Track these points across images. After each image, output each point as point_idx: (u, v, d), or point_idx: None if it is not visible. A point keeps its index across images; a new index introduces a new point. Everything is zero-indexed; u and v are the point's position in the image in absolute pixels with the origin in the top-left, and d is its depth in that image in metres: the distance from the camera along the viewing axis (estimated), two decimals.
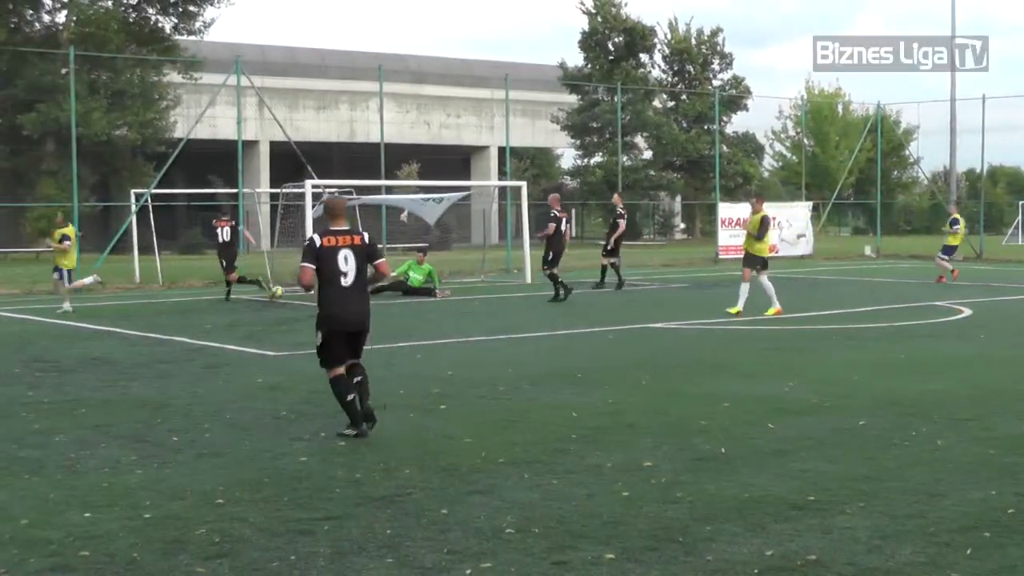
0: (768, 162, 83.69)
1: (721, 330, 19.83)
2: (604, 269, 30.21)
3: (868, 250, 48.09)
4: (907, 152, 76.60)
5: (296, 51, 71.96)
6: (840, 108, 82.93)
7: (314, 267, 10.54)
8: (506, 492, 8.50)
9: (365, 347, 11.02)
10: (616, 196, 30.86)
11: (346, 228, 10.77)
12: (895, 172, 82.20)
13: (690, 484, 8.68)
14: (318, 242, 10.62)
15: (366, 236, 10.80)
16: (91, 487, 8.85)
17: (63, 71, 49.42)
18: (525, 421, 11.33)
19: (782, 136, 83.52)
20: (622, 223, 29.94)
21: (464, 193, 36.19)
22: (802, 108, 71.93)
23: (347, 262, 10.57)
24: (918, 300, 25.55)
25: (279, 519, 7.87)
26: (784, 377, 13.96)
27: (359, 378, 10.92)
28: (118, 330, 20.68)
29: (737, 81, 72.12)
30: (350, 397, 10.73)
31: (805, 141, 72.63)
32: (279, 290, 28.26)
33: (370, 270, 10.83)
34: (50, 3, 56.52)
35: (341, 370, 10.75)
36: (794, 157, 78.39)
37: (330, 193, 33.89)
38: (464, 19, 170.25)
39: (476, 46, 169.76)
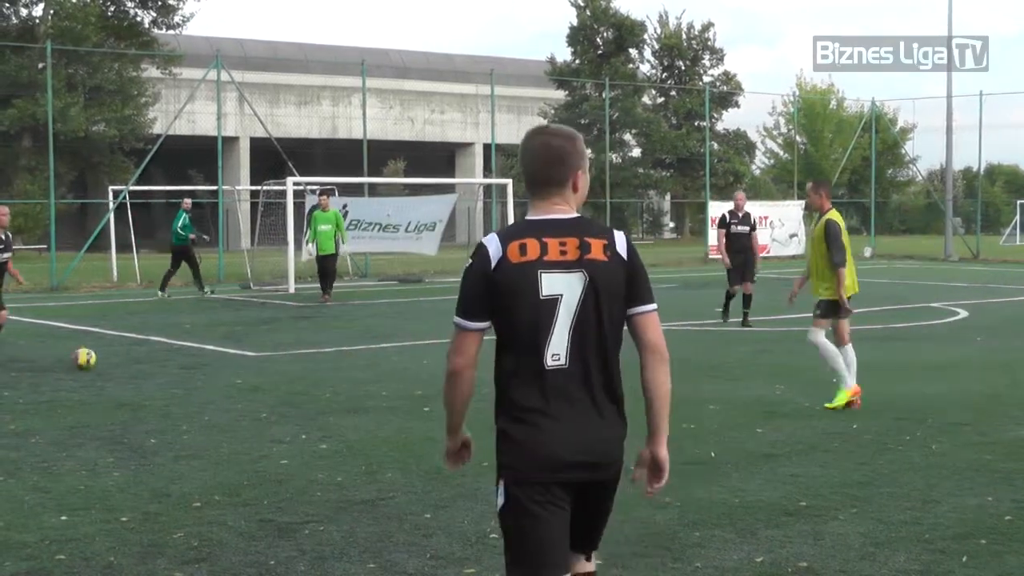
0: (760, 160, 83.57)
1: (709, 332, 19.72)
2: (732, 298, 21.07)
3: (867, 252, 48.01)
4: (903, 150, 76.28)
5: (277, 45, 71.57)
6: (834, 105, 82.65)
7: (480, 328, 4.41)
8: (491, 496, 8.26)
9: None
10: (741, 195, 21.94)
11: (569, 216, 4.48)
12: (890, 171, 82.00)
13: (679, 489, 8.50)
14: (497, 251, 4.37)
15: (619, 239, 4.47)
16: (67, 489, 8.74)
17: (40, 66, 49.17)
18: None
19: (774, 133, 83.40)
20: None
21: (449, 205, 35.77)
22: (794, 105, 71.82)
23: (562, 309, 4.37)
24: (913, 302, 25.42)
25: (259, 523, 7.78)
26: (774, 380, 13.85)
27: None
28: (95, 330, 20.50)
29: (728, 77, 71.96)
30: None
31: (797, 138, 72.49)
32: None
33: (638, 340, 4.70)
34: None
35: None
36: (786, 155, 78.26)
37: (311, 191, 33.73)
38: (448, 13, 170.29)
39: (461, 41, 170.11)
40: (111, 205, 36.18)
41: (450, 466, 4.88)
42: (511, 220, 35.06)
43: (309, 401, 12.61)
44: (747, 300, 20.37)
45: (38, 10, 55.78)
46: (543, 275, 4.31)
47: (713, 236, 42.94)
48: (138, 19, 57.84)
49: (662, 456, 4.64)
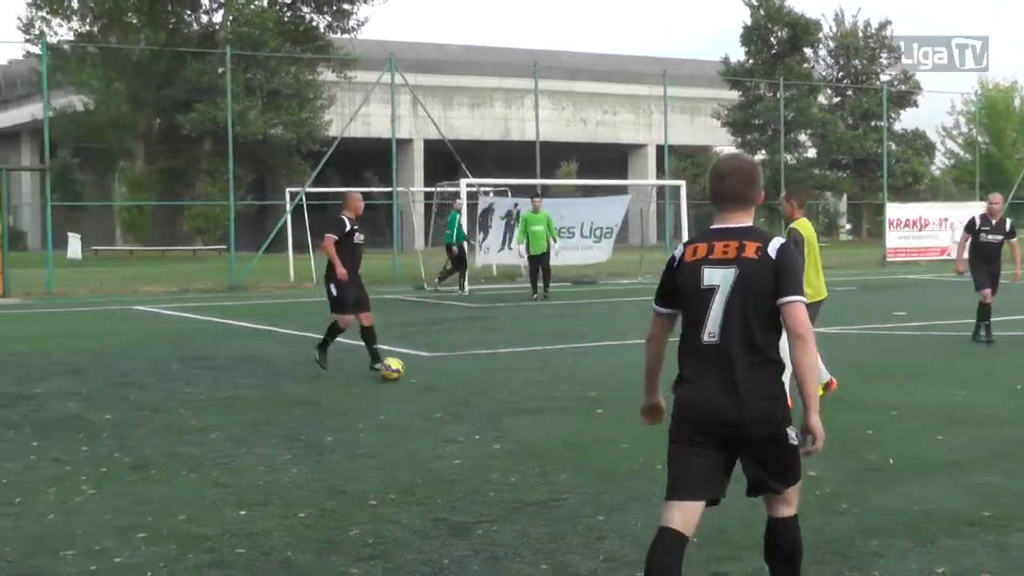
0: (939, 160, 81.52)
1: (887, 335, 19.30)
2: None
3: None
4: None
5: (449, 48, 72.29)
6: (1017, 103, 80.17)
7: (662, 312, 5.63)
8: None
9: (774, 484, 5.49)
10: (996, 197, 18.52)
11: (740, 226, 5.45)
12: None
13: (855, 496, 8.37)
14: (680, 254, 5.51)
15: (774, 244, 5.36)
16: (247, 485, 8.89)
17: (220, 71, 50.41)
18: None
19: (954, 133, 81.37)
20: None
21: (623, 207, 35.81)
22: (976, 104, 69.92)
23: (718, 296, 5.32)
24: None
25: (432, 522, 7.79)
26: (956, 385, 13.44)
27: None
28: (273, 329, 20.90)
29: (906, 76, 70.32)
30: None
31: (979, 138, 70.57)
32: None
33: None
34: (207, 3, 57.81)
35: (674, 511, 5.48)
36: (967, 155, 76.27)
37: (484, 193, 33.94)
38: (619, 15, 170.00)
39: (631, 42, 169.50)
40: (288, 207, 36.84)
41: (644, 421, 5.92)
42: (684, 221, 34.85)
43: (483, 401, 12.65)
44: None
45: (218, 17, 57.34)
46: (705, 269, 5.36)
47: (892, 239, 42.21)
48: (314, 24, 59.01)
49: (812, 423, 5.33)
